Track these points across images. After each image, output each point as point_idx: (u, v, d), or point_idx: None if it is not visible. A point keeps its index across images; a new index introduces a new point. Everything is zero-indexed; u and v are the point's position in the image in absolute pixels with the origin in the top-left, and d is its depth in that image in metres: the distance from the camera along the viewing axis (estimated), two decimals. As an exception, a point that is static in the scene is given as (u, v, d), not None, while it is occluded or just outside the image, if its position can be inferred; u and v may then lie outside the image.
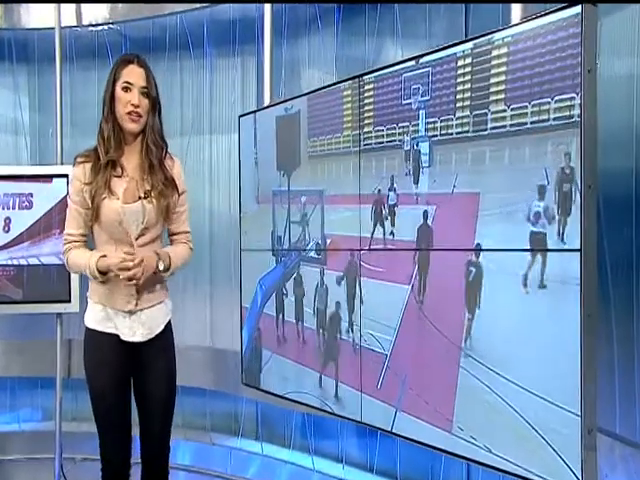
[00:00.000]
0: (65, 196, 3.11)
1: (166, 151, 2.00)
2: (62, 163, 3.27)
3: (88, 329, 1.98)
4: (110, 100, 1.93)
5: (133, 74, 1.92)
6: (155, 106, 1.95)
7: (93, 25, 3.49)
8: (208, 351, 3.34)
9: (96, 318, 1.97)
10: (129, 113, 1.90)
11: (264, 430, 3.26)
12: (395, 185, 1.99)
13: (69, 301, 3.11)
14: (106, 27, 3.48)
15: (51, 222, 3.15)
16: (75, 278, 3.09)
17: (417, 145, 1.90)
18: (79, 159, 1.97)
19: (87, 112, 3.55)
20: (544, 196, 1.55)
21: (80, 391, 3.53)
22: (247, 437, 3.31)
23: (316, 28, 3.01)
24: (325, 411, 2.30)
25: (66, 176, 3.13)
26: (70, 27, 3.47)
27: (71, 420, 3.49)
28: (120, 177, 1.94)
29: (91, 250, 2.00)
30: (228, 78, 3.34)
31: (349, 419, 2.19)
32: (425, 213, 1.88)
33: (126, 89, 1.91)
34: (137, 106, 1.90)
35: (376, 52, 2.81)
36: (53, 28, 3.29)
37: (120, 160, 1.95)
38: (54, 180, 3.16)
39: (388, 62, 2.74)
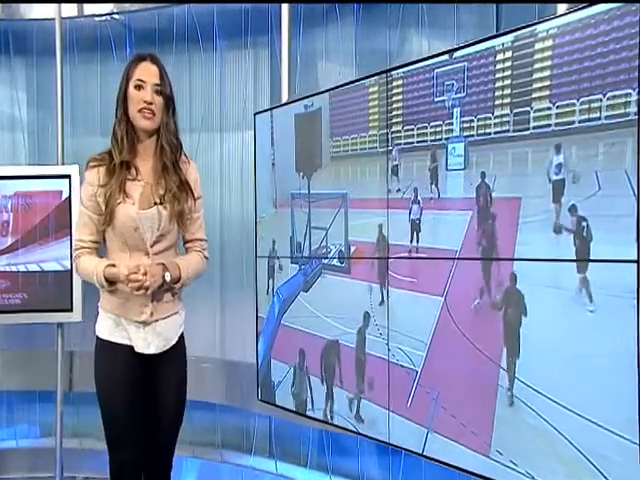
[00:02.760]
0: (67, 198, 3.12)
1: (181, 152, 2.01)
2: (63, 163, 3.24)
3: (100, 339, 2.00)
4: (123, 100, 1.95)
5: (146, 71, 1.94)
6: (169, 105, 1.96)
7: (95, 15, 3.47)
8: (218, 363, 3.31)
9: (109, 328, 1.98)
10: (141, 110, 1.92)
11: (278, 447, 3.21)
12: (419, 198, 1.96)
13: (71, 310, 3.09)
14: (109, 18, 3.46)
15: (52, 226, 3.12)
16: (78, 286, 3.07)
17: (451, 146, 1.86)
18: (92, 163, 1.99)
19: (89, 108, 3.54)
20: (594, 202, 1.51)
21: (82, 406, 3.52)
22: (260, 454, 3.27)
23: (334, 17, 2.96)
24: (349, 430, 2.27)
25: (68, 177, 3.12)
26: (71, 18, 3.43)
27: (72, 436, 3.46)
28: (134, 180, 1.96)
29: (102, 257, 2.01)
30: (240, 71, 3.30)
31: (376, 440, 2.15)
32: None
33: (139, 87, 1.93)
34: (150, 103, 1.92)
35: (400, 44, 2.76)
36: (53, 19, 3.27)
37: (134, 162, 1.97)
38: (55, 181, 3.13)
39: (413, 55, 2.72)
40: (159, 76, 1.93)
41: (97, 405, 2.01)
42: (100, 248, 2.03)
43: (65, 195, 3.12)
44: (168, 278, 1.94)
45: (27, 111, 3.69)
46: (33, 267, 3.14)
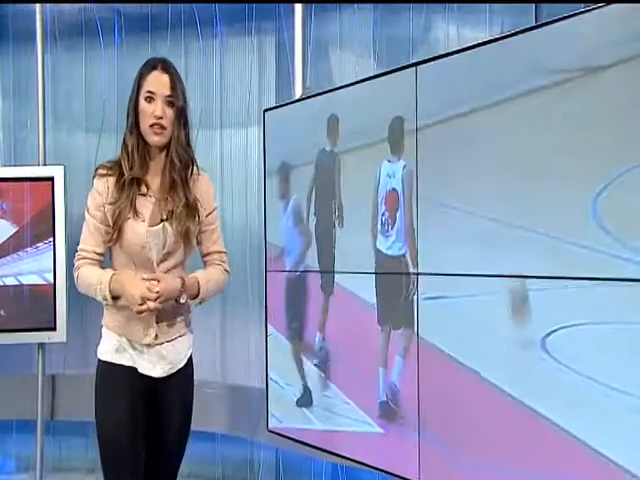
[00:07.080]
0: (50, 203, 3.08)
1: (192, 167, 2.06)
2: (45, 163, 3.21)
3: (101, 362, 2.04)
4: (134, 111, 2.01)
5: (156, 82, 1.98)
6: (181, 116, 2.01)
7: (80, -1, 3.45)
8: (219, 387, 3.29)
9: (111, 349, 2.02)
10: (152, 125, 1.97)
11: (286, 482, 3.20)
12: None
13: (54, 329, 3.05)
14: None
15: (33, 234, 3.08)
16: (62, 302, 3.03)
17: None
18: (101, 171, 2.04)
19: (73, 101, 3.51)
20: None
21: (65, 436, 3.46)
22: (265, 490, 3.26)
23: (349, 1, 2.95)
24: (370, 466, 2.24)
25: (50, 179, 3.08)
26: (53, 1, 3.41)
27: (53, 471, 3.37)
28: (145, 196, 2.02)
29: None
30: (243, 61, 3.28)
31: (403, 478, 2.12)
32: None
33: (149, 99, 1.98)
34: (160, 117, 1.97)
35: (424, 30, 2.75)
36: (33, 1, 3.25)
37: (145, 178, 2.03)
38: (36, 184, 3.08)
39: (438, 43, 2.70)
40: (170, 87, 1.98)
41: (82, 435, 2.02)
42: (105, 261, 2.05)
43: (48, 199, 3.08)
44: (182, 300, 2.00)
45: (2, 104, 3.65)
46: (10, 280, 3.11)
